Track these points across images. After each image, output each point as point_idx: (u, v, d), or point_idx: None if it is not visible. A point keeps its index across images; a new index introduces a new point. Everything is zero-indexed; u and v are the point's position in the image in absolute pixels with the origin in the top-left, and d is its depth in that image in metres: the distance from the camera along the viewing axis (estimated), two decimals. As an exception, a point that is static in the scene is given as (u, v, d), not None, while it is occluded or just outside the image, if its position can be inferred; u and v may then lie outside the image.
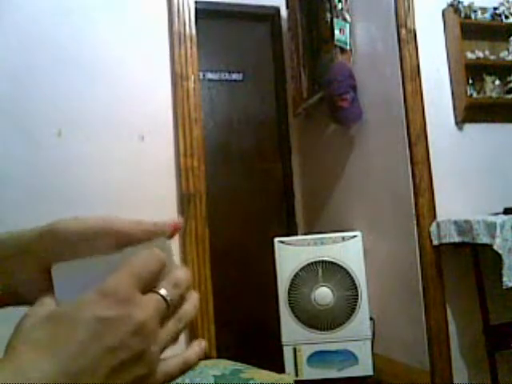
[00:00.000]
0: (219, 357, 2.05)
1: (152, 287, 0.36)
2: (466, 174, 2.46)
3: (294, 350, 2.57)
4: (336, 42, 2.80)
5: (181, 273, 0.38)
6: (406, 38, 2.43)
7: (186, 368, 0.37)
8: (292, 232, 3.40)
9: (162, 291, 0.36)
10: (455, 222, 2.20)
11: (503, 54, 2.57)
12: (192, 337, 2.11)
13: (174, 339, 0.37)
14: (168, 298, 0.36)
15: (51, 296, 0.36)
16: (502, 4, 2.57)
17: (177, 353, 0.38)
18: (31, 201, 1.99)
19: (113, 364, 0.31)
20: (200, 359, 0.39)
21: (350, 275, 2.57)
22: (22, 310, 0.37)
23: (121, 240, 0.40)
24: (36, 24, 2.08)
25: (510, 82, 2.53)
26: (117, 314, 0.32)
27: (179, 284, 0.38)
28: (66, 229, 0.40)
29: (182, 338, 0.37)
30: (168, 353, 0.36)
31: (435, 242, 2.31)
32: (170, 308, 0.36)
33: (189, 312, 0.38)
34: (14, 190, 1.98)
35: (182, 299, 0.38)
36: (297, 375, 2.54)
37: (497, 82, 2.54)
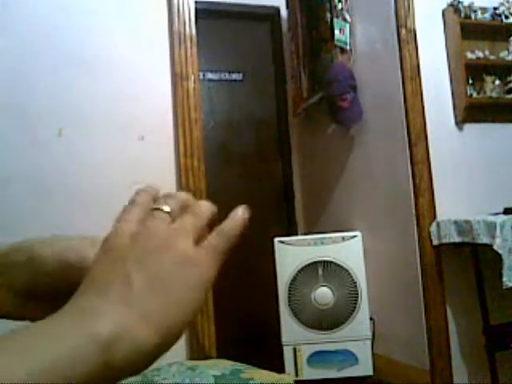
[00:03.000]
0: (219, 357, 2.05)
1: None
2: (465, 174, 2.46)
3: (294, 350, 2.57)
4: (336, 42, 2.80)
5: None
6: (406, 37, 2.43)
7: (227, 234, 0.35)
8: (292, 232, 3.40)
9: (156, 205, 0.35)
10: (455, 222, 2.20)
11: (503, 53, 2.57)
12: (192, 336, 2.11)
13: (202, 223, 0.35)
14: (167, 209, 0.35)
15: None
16: (501, 4, 2.57)
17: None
18: (33, 200, 1.99)
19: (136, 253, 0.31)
20: (240, 227, 0.36)
21: (350, 275, 2.57)
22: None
23: None
24: (37, 24, 2.08)
25: (510, 81, 2.53)
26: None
27: (174, 196, 0.37)
28: (42, 257, 0.41)
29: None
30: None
31: (435, 242, 2.31)
32: (172, 214, 0.35)
33: (204, 208, 0.36)
34: (16, 189, 1.99)
35: (185, 207, 0.36)
36: (297, 375, 2.54)
37: (497, 82, 2.54)
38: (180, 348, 2.06)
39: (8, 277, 0.42)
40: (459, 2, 2.47)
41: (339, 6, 2.81)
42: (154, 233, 0.33)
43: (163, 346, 0.29)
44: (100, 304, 0.29)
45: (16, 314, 0.42)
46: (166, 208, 0.35)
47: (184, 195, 0.37)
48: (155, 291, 0.30)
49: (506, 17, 2.57)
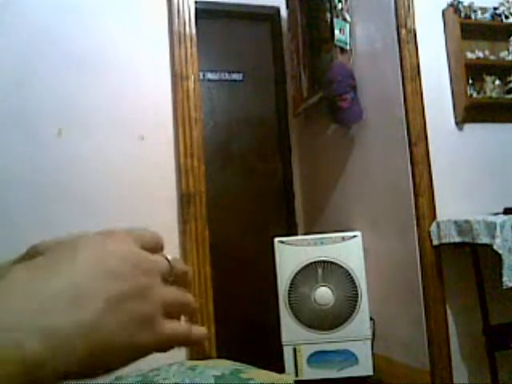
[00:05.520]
0: (219, 357, 2.05)
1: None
2: (466, 174, 2.46)
3: (294, 350, 2.57)
4: (336, 42, 2.80)
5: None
6: (405, 37, 2.43)
7: (189, 338, 0.35)
8: (292, 232, 3.40)
9: (165, 255, 0.34)
10: (455, 222, 2.20)
11: (503, 53, 2.57)
12: (192, 337, 2.11)
13: (178, 306, 0.34)
14: (171, 261, 0.34)
15: None
16: (502, 4, 2.57)
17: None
18: (33, 200, 1.99)
19: (113, 290, 0.29)
20: (200, 342, 0.36)
21: (350, 275, 2.57)
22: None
23: None
24: (36, 24, 2.08)
25: (510, 81, 2.53)
26: (119, 246, 0.31)
27: (180, 261, 0.36)
28: None
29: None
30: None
31: (435, 242, 2.31)
32: (172, 273, 0.34)
33: (190, 297, 0.35)
34: (16, 190, 1.98)
35: (183, 277, 0.35)
36: (297, 375, 2.54)
37: (497, 82, 2.54)
38: (180, 348, 2.06)
39: None
40: (459, 2, 2.47)
41: (339, 6, 2.81)
42: (143, 263, 0.31)
43: None
44: None
45: None
46: (171, 260, 0.34)
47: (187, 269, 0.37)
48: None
49: (506, 17, 2.56)
